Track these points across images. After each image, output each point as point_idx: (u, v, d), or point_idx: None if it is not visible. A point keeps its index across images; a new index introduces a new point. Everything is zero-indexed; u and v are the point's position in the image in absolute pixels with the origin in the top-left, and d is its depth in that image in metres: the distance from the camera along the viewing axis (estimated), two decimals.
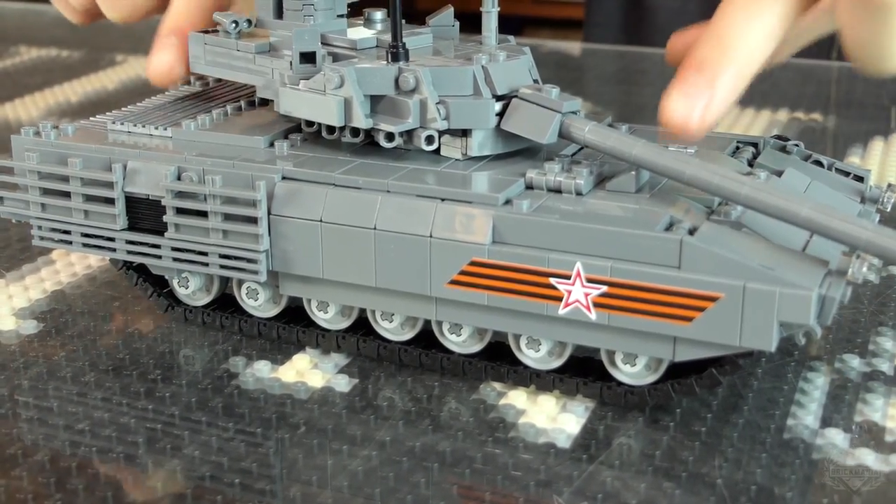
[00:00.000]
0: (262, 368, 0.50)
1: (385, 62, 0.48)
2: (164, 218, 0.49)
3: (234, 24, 0.53)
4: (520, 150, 0.49)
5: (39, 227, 0.52)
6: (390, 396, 0.48)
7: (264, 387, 0.48)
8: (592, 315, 0.43)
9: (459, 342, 0.48)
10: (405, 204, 0.45)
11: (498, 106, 0.47)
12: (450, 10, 0.54)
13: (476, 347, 0.48)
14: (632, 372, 0.45)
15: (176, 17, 0.57)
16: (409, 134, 0.48)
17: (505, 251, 0.44)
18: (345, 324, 0.50)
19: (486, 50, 0.49)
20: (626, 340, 0.44)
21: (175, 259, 0.50)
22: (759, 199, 0.42)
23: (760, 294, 0.40)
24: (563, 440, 0.44)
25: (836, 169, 0.52)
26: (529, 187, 0.46)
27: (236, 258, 0.49)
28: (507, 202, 0.44)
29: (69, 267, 0.61)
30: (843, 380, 0.48)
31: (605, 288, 0.42)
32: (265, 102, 0.55)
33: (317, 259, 0.47)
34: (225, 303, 0.53)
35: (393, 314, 0.49)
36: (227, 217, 0.48)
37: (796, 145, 0.53)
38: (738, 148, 0.52)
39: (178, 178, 0.49)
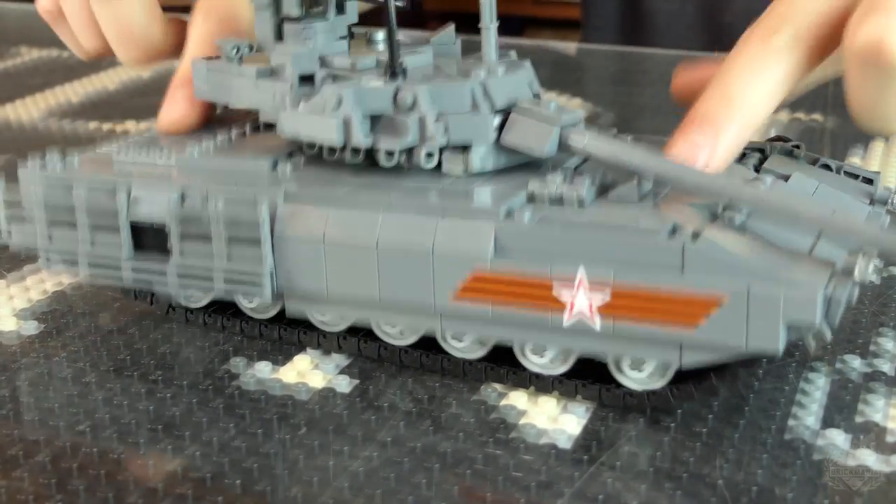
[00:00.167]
0: (263, 369, 0.50)
1: (384, 81, 0.48)
2: (169, 244, 0.49)
3: (235, 50, 0.53)
4: (523, 164, 0.49)
5: (48, 259, 0.52)
6: (391, 397, 0.48)
7: (265, 387, 0.48)
8: (597, 323, 0.43)
9: (461, 348, 0.48)
10: (407, 221, 0.45)
11: (497, 120, 0.47)
12: (451, 28, 0.54)
13: (478, 353, 0.48)
14: (639, 377, 0.45)
15: (185, 68, 0.57)
16: (409, 152, 0.48)
17: (508, 263, 0.44)
18: (343, 325, 0.50)
19: (485, 65, 0.49)
20: (632, 347, 0.44)
21: (181, 284, 0.50)
22: (762, 201, 0.42)
23: (765, 295, 0.40)
24: (564, 441, 0.44)
25: (845, 172, 0.52)
26: (531, 199, 0.46)
27: (241, 281, 0.48)
28: (509, 214, 0.44)
29: None
30: (843, 380, 0.48)
31: (608, 296, 0.42)
32: (269, 126, 0.54)
33: (321, 278, 0.47)
34: (225, 304, 0.53)
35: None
36: (231, 239, 0.48)
37: (797, 146, 0.52)
38: (744, 154, 0.52)
39: (182, 203, 0.49)
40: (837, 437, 0.44)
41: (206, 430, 0.45)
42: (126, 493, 0.41)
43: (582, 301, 0.43)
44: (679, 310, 0.41)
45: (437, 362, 0.48)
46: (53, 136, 0.87)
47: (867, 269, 0.40)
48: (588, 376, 0.46)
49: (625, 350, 0.44)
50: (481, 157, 0.48)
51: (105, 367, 0.50)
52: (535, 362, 0.47)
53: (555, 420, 0.45)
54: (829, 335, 0.40)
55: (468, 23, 0.54)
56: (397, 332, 0.49)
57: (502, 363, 0.47)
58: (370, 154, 0.48)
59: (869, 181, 0.51)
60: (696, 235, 0.42)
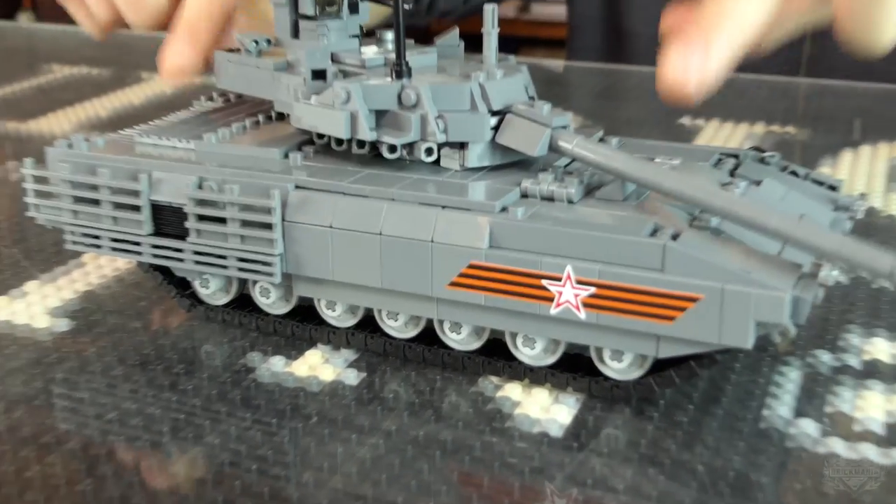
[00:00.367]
0: (276, 363, 0.50)
1: (390, 79, 0.48)
2: (186, 224, 0.49)
3: (254, 44, 0.53)
4: (516, 162, 0.49)
5: (72, 233, 0.52)
6: (395, 389, 0.48)
7: (279, 380, 0.49)
8: (582, 314, 0.43)
9: (459, 340, 0.48)
10: (409, 211, 0.45)
11: (493, 120, 0.47)
12: (455, 31, 0.54)
13: (475, 345, 0.48)
14: (619, 368, 0.45)
15: (189, 16, 0.57)
16: (410, 146, 0.48)
17: (501, 255, 0.44)
18: (352, 321, 0.50)
19: (485, 68, 0.49)
20: (613, 338, 0.44)
21: (196, 262, 0.50)
22: (731, 210, 0.42)
23: (738, 295, 0.40)
24: (556, 430, 0.44)
25: (812, 179, 0.52)
26: (524, 196, 0.46)
27: (253, 261, 0.49)
28: (504, 209, 0.45)
29: (99, 269, 0.61)
30: (814, 373, 0.48)
31: (593, 289, 0.42)
32: (282, 116, 0.55)
33: (327, 262, 0.47)
34: (243, 302, 0.53)
35: (398, 314, 0.49)
36: (245, 223, 0.48)
37: (772, 156, 0.53)
38: (720, 160, 0.52)
39: (200, 187, 0.49)
40: (808, 427, 0.44)
41: (224, 420, 0.45)
42: (150, 478, 0.42)
43: (568, 293, 0.43)
44: (658, 305, 0.41)
45: (438, 356, 0.49)
46: None
47: (831, 273, 0.41)
48: (577, 370, 0.46)
49: (606, 341, 0.44)
50: (478, 154, 0.48)
51: (132, 361, 0.50)
52: (526, 353, 0.47)
53: (547, 410, 0.45)
54: (793, 332, 0.41)
55: (472, 42, 0.54)
56: (400, 326, 0.49)
57: (498, 357, 0.48)
58: (374, 146, 0.48)
59: (833, 188, 0.52)
60: (675, 237, 0.42)
